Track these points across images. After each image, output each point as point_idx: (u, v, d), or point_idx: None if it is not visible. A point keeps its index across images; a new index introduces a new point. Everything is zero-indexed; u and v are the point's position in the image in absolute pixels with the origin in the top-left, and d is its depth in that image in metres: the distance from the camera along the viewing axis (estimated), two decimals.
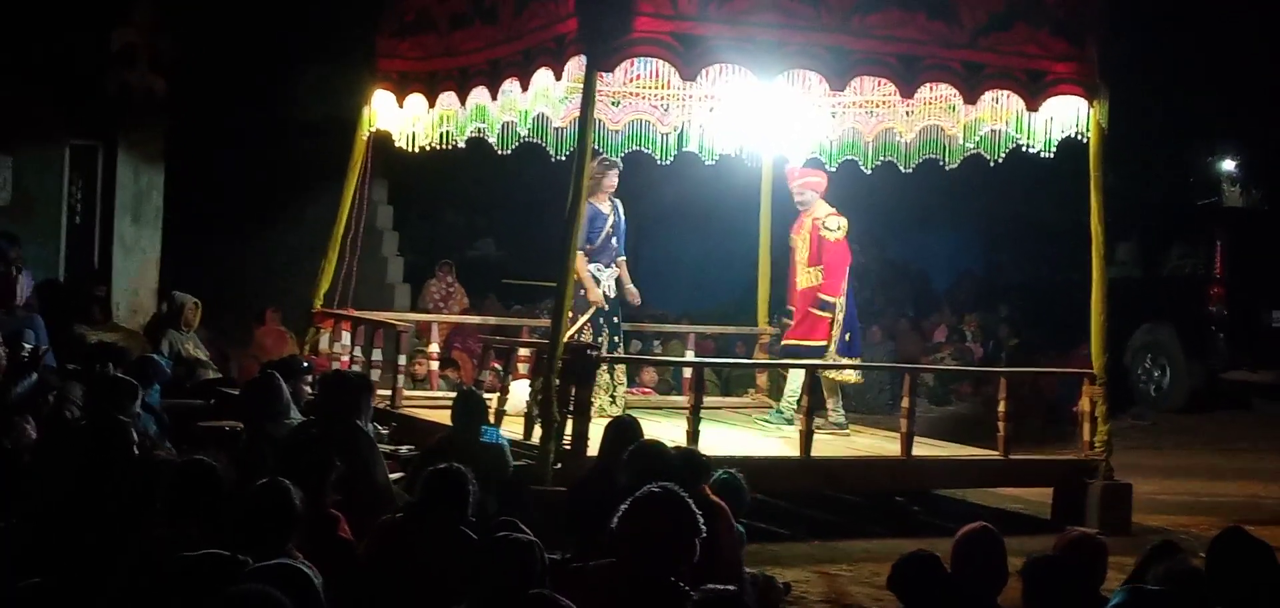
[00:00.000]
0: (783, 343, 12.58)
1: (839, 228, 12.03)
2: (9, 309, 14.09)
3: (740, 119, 12.63)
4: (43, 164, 16.09)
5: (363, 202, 12.71)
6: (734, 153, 13.19)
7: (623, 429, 8.12)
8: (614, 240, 11.85)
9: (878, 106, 12.22)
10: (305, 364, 10.87)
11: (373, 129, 12.45)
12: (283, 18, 17.23)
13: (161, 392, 10.76)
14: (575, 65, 10.10)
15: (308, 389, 10.05)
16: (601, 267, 11.75)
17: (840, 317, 11.96)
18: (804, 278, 12.17)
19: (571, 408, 9.75)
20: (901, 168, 12.39)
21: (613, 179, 11.75)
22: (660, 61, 10.28)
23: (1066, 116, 11.02)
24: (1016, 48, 10.72)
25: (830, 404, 12.10)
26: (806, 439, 10.52)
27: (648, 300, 13.27)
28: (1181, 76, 21.36)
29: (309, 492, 5.79)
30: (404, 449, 10.08)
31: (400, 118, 12.24)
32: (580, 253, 10.92)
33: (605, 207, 11.75)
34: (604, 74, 10.32)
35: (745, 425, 12.54)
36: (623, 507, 5.79)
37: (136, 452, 6.72)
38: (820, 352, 11.87)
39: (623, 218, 11.96)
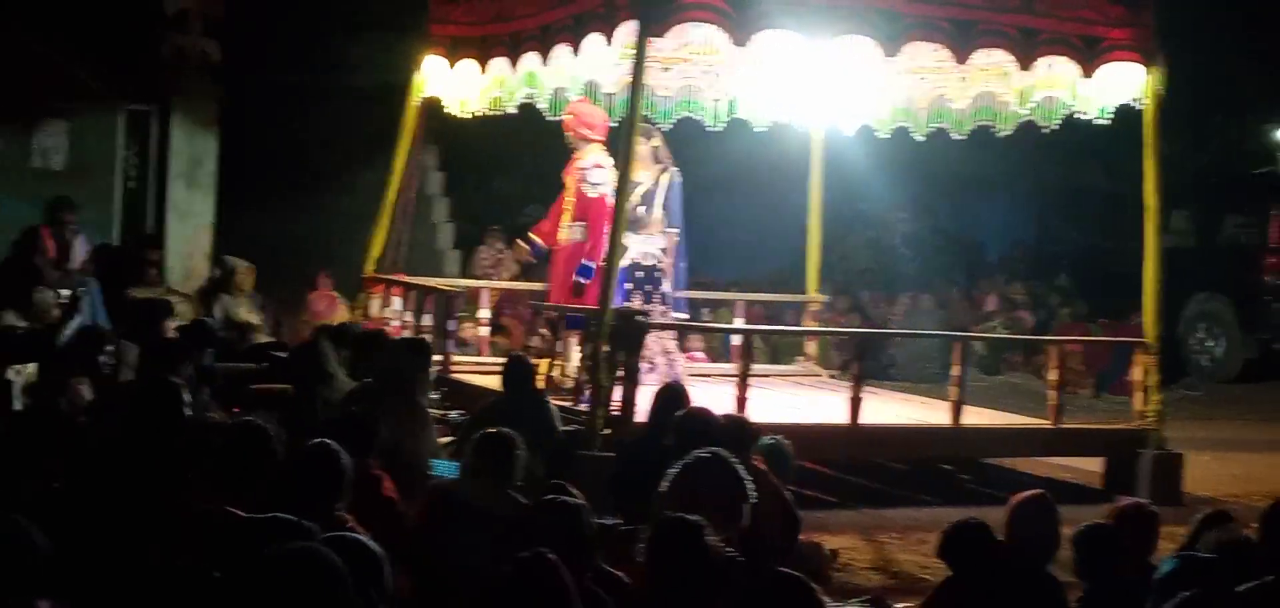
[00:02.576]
0: (553, 302, 11.71)
1: (602, 183, 11.34)
2: (65, 272, 14.25)
3: (792, 86, 12.56)
4: (98, 129, 16.20)
5: (414, 168, 12.74)
6: (785, 121, 13.14)
7: (672, 396, 8.13)
8: (641, 209, 11.41)
9: (931, 73, 12.12)
10: (359, 331, 10.92)
11: (424, 95, 12.48)
12: None
13: (214, 355, 10.84)
14: (626, 31, 10.06)
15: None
16: (633, 234, 11.32)
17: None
18: (565, 232, 11.59)
19: (620, 374, 9.76)
20: (954, 134, 12.29)
21: (643, 146, 11.17)
22: (712, 27, 10.25)
23: (1121, 83, 10.93)
24: (1072, 13, 10.64)
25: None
26: (855, 407, 10.49)
27: (697, 267, 13.23)
28: (1238, 44, 21.14)
29: (353, 454, 5.82)
30: (454, 414, 10.13)
31: (452, 84, 12.26)
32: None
33: (638, 175, 11.26)
34: (655, 40, 10.29)
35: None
36: (671, 472, 5.80)
37: (188, 414, 6.76)
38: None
39: (662, 187, 11.62)
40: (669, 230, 11.75)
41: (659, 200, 11.65)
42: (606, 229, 10.72)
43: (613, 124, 11.56)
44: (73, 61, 15.56)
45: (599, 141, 11.62)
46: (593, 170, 11.48)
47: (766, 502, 6.32)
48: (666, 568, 4.89)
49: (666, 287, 11.72)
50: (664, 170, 11.70)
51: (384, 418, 7.31)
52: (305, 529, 4.43)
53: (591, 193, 11.46)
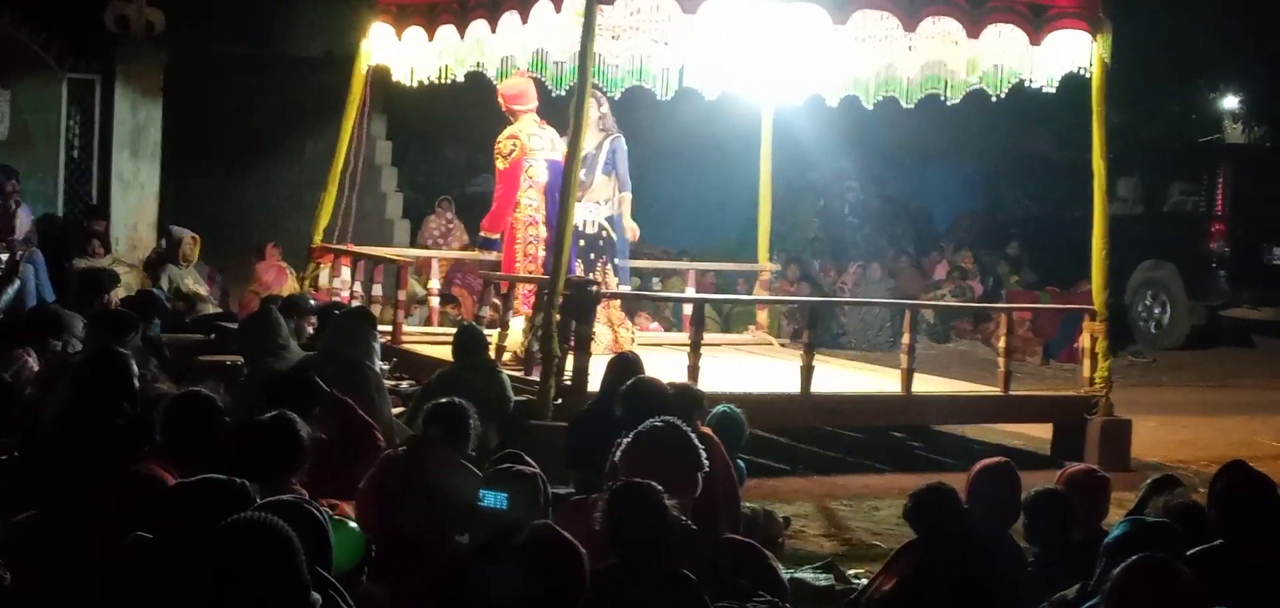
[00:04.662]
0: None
1: (511, 153, 11.30)
2: (8, 243, 14.09)
3: (741, 55, 12.53)
4: (41, 97, 16.03)
5: (362, 137, 12.67)
6: (735, 90, 13.10)
7: (625, 365, 8.11)
8: (582, 173, 10.94)
9: (880, 41, 12.12)
10: (312, 303, 10.84)
11: (371, 63, 12.39)
12: None
13: (161, 326, 10.75)
14: None
15: (310, 327, 10.03)
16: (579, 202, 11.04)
17: (529, 250, 11.33)
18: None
19: (571, 344, 9.74)
20: (903, 103, 12.28)
21: (593, 111, 11.02)
22: None
23: (1069, 52, 10.96)
24: None
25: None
26: (807, 375, 10.50)
27: (648, 237, 13.20)
28: (1184, 12, 21.27)
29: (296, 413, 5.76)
30: (405, 384, 10.08)
31: (399, 51, 12.17)
32: None
33: (584, 140, 10.86)
34: (604, 6, 10.23)
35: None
36: (624, 440, 5.80)
37: (136, 384, 6.70)
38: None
39: (604, 152, 11.49)
40: (622, 195, 11.67)
41: (600, 164, 11.53)
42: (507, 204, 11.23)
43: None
44: (15, 29, 15.39)
45: (528, 111, 11.52)
46: (504, 142, 11.41)
47: (714, 468, 6.32)
48: (626, 534, 4.90)
49: (615, 257, 11.65)
50: (607, 136, 11.59)
51: (332, 386, 7.26)
52: (243, 491, 4.39)
53: (500, 165, 11.42)
